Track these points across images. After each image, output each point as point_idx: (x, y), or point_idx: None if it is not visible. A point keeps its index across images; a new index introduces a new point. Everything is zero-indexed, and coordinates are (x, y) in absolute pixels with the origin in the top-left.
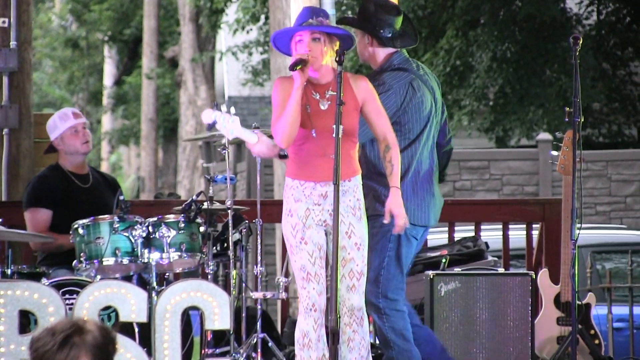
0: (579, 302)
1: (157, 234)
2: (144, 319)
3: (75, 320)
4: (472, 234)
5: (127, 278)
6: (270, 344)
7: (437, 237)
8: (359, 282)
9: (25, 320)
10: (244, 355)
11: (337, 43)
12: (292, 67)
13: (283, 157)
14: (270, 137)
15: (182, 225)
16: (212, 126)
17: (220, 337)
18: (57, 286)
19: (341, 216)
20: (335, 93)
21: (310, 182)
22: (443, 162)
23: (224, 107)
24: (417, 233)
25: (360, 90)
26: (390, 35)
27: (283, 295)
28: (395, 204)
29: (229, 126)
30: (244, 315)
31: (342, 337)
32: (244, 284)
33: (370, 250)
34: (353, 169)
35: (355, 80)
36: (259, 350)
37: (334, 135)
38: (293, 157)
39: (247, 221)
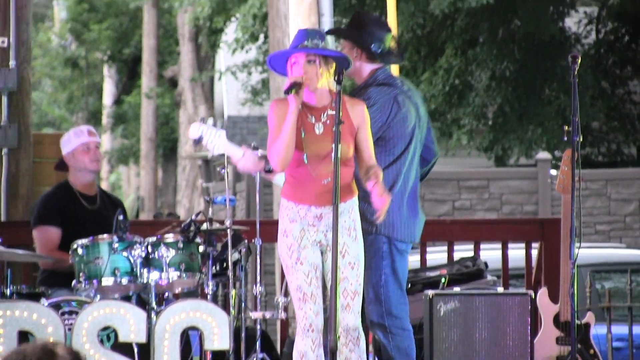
0: (578, 322)
1: (156, 253)
2: (143, 339)
3: (45, 343)
4: (472, 253)
5: (127, 298)
6: None
7: (437, 256)
8: (353, 302)
9: (25, 341)
10: None
11: (333, 65)
12: (287, 91)
13: (269, 171)
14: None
15: (181, 245)
16: (198, 142)
17: (219, 357)
18: (56, 306)
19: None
20: (333, 112)
21: (304, 205)
22: (423, 174)
23: (210, 121)
24: (407, 248)
25: (356, 114)
26: (379, 50)
27: (282, 315)
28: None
29: (215, 141)
30: (243, 335)
31: (339, 357)
32: (243, 304)
33: (365, 269)
34: (347, 191)
35: (353, 105)
36: None
37: (332, 156)
38: (288, 179)
39: (246, 241)
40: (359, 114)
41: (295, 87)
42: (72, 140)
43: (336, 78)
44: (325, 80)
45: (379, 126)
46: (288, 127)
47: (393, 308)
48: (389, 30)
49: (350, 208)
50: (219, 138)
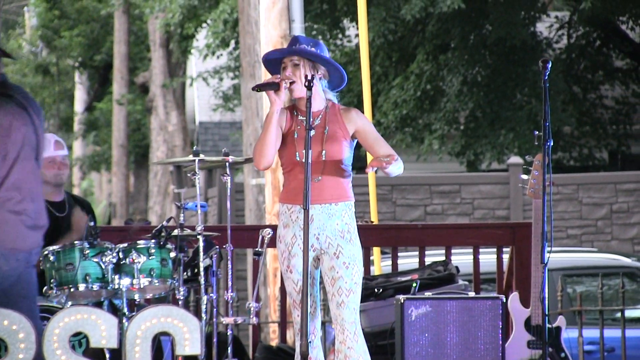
0: (550, 326)
1: (127, 259)
2: (114, 344)
3: None
4: (443, 258)
5: (98, 304)
6: None
7: (408, 261)
8: (347, 299)
9: None
10: None
11: (325, 73)
12: (254, 88)
13: None
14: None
15: (153, 251)
16: None
17: None
18: None
19: (329, 239)
20: (320, 122)
21: (296, 206)
22: None
23: None
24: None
25: (349, 120)
26: None
27: (254, 320)
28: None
29: None
30: (215, 340)
31: (338, 356)
32: (214, 310)
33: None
34: (340, 193)
35: (346, 112)
36: None
37: (322, 157)
38: (284, 183)
39: (217, 247)
40: (352, 119)
41: (268, 87)
42: None
43: (305, 84)
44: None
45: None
46: (268, 126)
47: None
48: None
49: (342, 211)
50: None
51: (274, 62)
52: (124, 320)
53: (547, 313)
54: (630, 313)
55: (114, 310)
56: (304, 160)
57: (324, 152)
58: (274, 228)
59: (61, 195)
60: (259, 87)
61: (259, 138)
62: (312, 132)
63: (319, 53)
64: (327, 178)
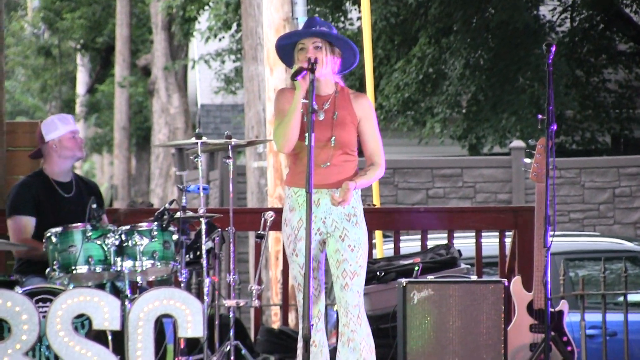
0: (552, 310)
1: (129, 242)
2: (117, 327)
3: None
4: (445, 241)
5: (100, 286)
6: (243, 351)
7: (410, 244)
8: (352, 281)
9: None
10: None
11: (339, 56)
12: (293, 77)
13: None
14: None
15: (155, 233)
16: None
17: (193, 344)
18: (31, 294)
19: (335, 222)
20: (329, 106)
21: (303, 189)
22: None
23: None
24: None
25: (359, 107)
26: None
27: (256, 303)
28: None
29: None
30: (217, 322)
31: (341, 339)
32: (216, 292)
33: None
34: (347, 178)
35: (356, 97)
36: (232, 357)
37: (332, 142)
38: (291, 166)
39: (219, 229)
40: (362, 106)
41: (301, 71)
42: (59, 126)
43: (308, 66)
44: (329, 69)
45: None
46: (293, 109)
47: None
48: None
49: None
50: None
51: (284, 46)
52: (127, 303)
53: (549, 297)
54: (632, 297)
55: (117, 293)
56: (313, 144)
57: (333, 138)
58: (276, 211)
59: (70, 176)
60: (295, 77)
61: (283, 122)
62: (322, 117)
63: (341, 36)
64: (335, 164)
